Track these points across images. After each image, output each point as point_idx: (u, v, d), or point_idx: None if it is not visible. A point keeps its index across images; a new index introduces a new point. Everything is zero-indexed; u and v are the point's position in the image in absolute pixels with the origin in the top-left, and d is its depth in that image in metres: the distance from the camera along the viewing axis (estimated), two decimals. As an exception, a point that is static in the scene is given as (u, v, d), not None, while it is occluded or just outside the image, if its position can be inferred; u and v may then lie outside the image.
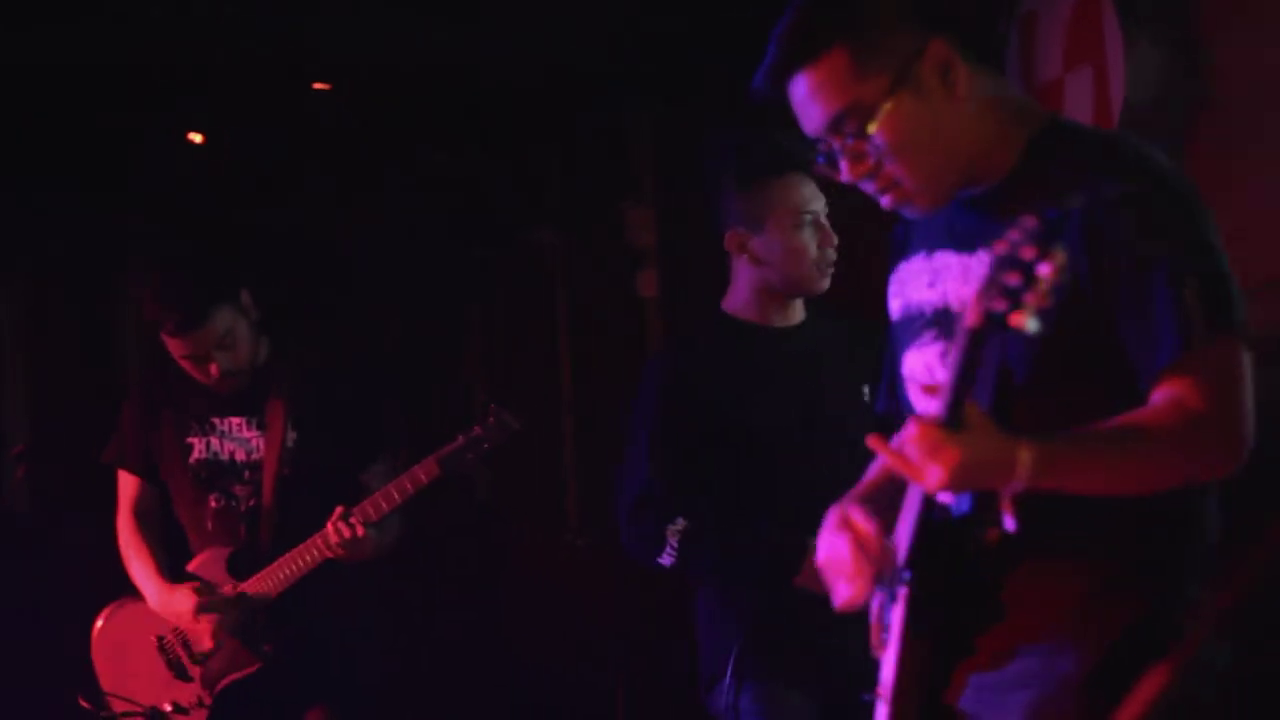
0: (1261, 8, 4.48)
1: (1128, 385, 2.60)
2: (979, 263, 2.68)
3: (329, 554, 4.61)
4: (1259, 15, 4.47)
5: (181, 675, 4.80)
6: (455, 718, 7.55)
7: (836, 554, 2.78)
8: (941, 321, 2.77)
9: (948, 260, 2.78)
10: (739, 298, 4.31)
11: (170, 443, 4.89)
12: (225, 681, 4.76)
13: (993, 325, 2.33)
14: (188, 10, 5.83)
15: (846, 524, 2.78)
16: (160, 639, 4.84)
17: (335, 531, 4.56)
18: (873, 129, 2.65)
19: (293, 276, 7.19)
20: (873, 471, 3.04)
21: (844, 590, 2.78)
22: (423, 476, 4.58)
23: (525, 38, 6.39)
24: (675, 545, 4.11)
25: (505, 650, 7.67)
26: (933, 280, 2.81)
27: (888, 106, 2.64)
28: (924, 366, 2.82)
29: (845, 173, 2.72)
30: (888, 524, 2.77)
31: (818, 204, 4.20)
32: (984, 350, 2.41)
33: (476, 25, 6.21)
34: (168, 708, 4.71)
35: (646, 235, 7.35)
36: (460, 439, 4.61)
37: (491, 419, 4.63)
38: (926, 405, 2.79)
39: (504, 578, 7.87)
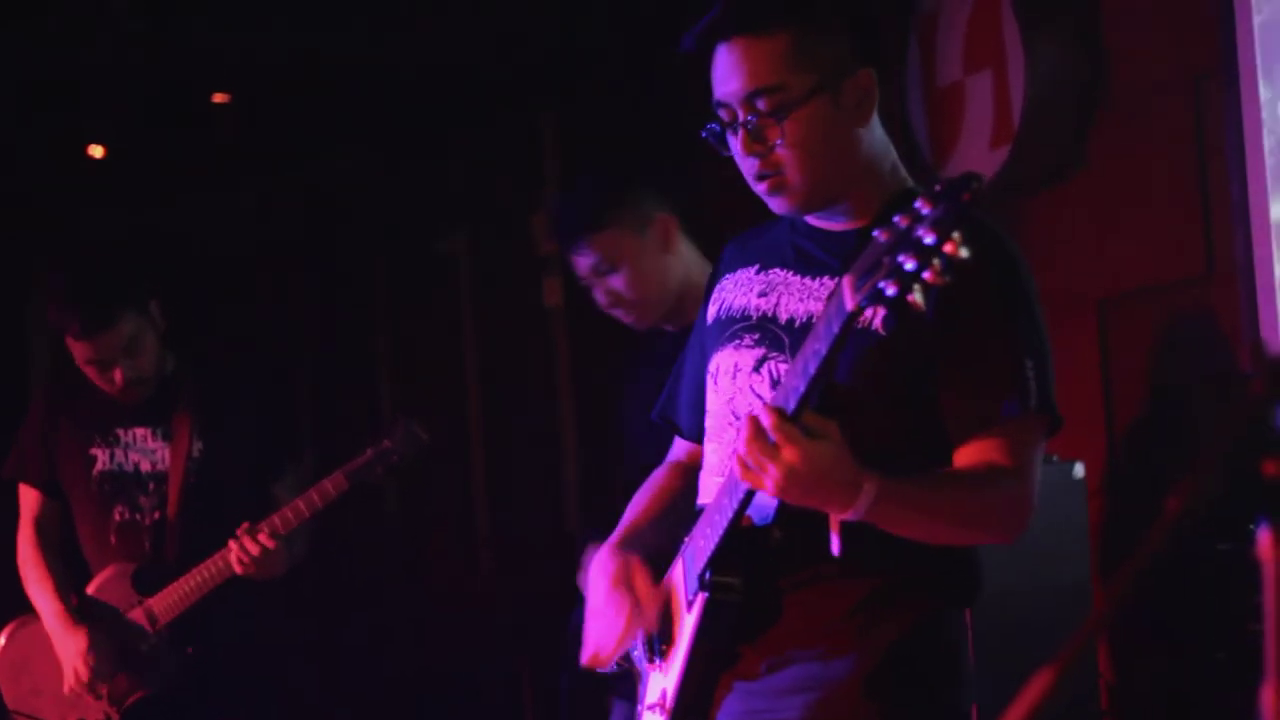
0: (1158, 6, 4.54)
1: (936, 428, 2.70)
2: (821, 285, 2.76)
3: (237, 570, 4.57)
4: (1156, 13, 4.52)
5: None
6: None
7: (611, 613, 2.87)
8: (765, 327, 2.82)
9: (786, 278, 2.85)
10: None
11: (73, 455, 4.83)
12: (132, 699, 4.71)
13: (877, 306, 2.37)
14: (90, 22, 5.79)
15: (628, 584, 2.87)
16: (65, 656, 4.79)
17: (241, 548, 4.53)
18: (785, 114, 2.71)
19: (198, 288, 7.15)
20: (636, 507, 3.08)
21: (606, 649, 2.89)
22: (331, 490, 4.56)
23: (431, 44, 6.38)
24: None
25: (416, 663, 7.65)
26: (764, 291, 2.86)
27: (807, 102, 2.71)
28: (733, 365, 2.86)
29: (736, 146, 2.77)
30: (654, 566, 2.89)
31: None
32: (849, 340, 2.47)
33: (381, 32, 6.19)
34: (74, 726, 4.68)
35: (550, 242, 7.35)
36: (369, 452, 4.60)
37: (400, 431, 4.63)
38: (735, 404, 2.84)
39: (414, 590, 7.85)
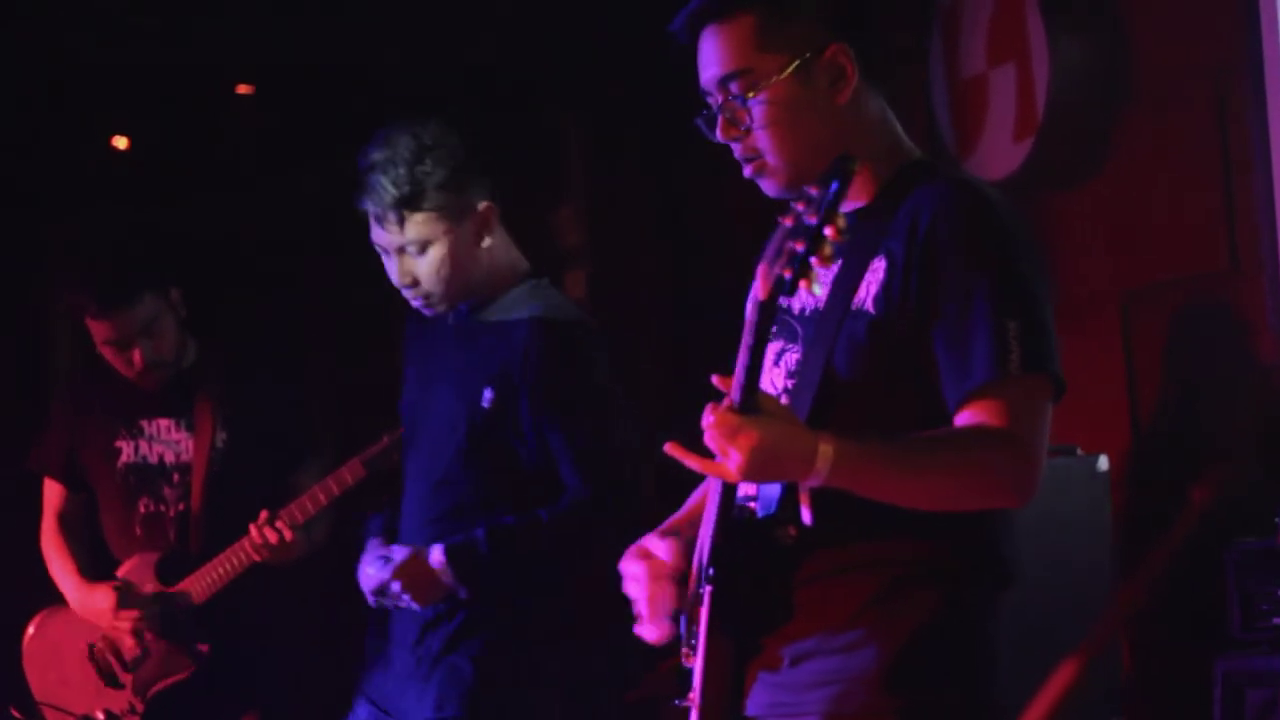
0: (1182, 3, 4.53)
1: (940, 405, 2.69)
2: (827, 270, 2.72)
3: (256, 558, 4.60)
4: (1180, 7, 4.51)
5: (113, 683, 4.77)
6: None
7: (635, 585, 2.89)
8: (781, 319, 2.82)
9: None
10: None
11: (98, 447, 4.86)
12: (157, 688, 4.73)
13: (781, 293, 2.44)
14: (110, 15, 5.80)
15: (644, 554, 2.89)
16: (91, 646, 4.80)
17: (261, 536, 4.55)
18: (752, 96, 2.76)
19: (219, 278, 7.16)
20: (691, 501, 3.08)
21: (649, 629, 2.88)
22: (348, 478, 4.58)
23: (452, 39, 6.39)
24: None
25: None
26: None
27: (772, 83, 2.75)
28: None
29: (719, 132, 2.82)
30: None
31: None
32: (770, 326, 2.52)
33: (404, 28, 6.20)
34: (100, 716, 4.69)
35: (573, 235, 7.34)
36: (385, 439, 4.61)
37: None
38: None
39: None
